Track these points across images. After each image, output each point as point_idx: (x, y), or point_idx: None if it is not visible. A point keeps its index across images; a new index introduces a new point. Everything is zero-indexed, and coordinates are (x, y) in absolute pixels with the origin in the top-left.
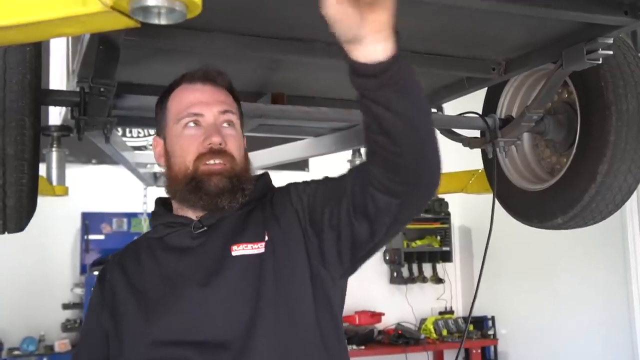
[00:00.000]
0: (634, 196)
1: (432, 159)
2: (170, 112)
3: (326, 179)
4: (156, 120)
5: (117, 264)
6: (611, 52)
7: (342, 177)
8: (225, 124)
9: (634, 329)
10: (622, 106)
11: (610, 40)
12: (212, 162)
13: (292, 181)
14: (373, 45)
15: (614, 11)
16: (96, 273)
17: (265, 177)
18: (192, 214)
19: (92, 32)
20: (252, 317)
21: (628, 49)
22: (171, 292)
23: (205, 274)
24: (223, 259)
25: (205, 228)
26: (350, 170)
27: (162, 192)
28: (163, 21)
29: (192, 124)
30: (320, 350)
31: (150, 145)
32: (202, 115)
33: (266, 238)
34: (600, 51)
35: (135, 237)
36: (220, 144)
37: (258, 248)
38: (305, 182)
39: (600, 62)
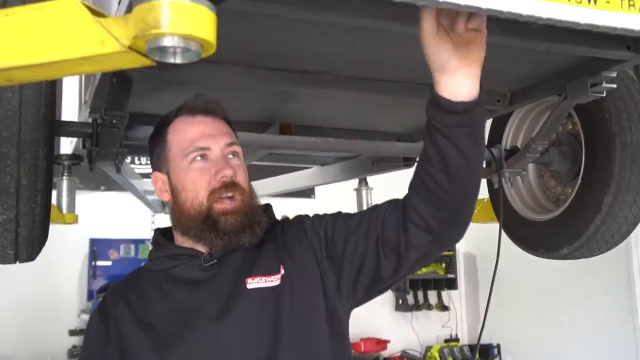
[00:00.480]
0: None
1: (473, 203)
2: (173, 146)
3: (343, 213)
4: (152, 154)
5: (119, 295)
6: (615, 85)
7: (370, 212)
8: (230, 155)
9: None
10: (626, 138)
11: (614, 74)
12: (225, 195)
13: (304, 213)
14: (460, 79)
15: (617, 46)
16: None
17: (270, 209)
18: (202, 247)
19: (109, 70)
20: (269, 352)
21: (631, 81)
22: (183, 325)
23: (219, 307)
24: (237, 292)
25: (215, 260)
26: (377, 206)
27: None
28: (179, 60)
29: (199, 158)
30: None
31: None
32: (209, 149)
33: (282, 271)
34: (604, 84)
35: (135, 269)
36: (232, 177)
37: (273, 281)
38: (319, 216)
39: (604, 94)
